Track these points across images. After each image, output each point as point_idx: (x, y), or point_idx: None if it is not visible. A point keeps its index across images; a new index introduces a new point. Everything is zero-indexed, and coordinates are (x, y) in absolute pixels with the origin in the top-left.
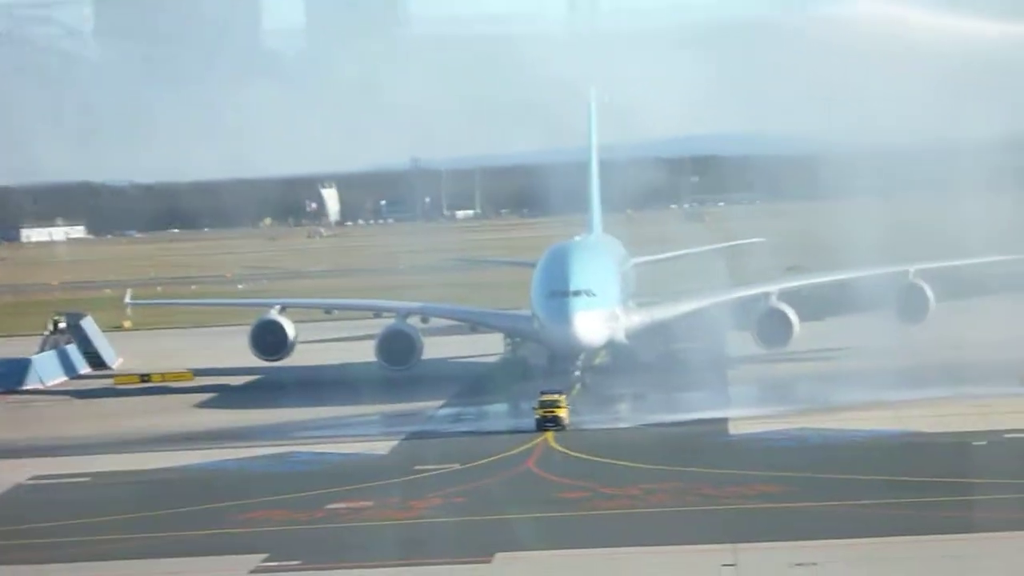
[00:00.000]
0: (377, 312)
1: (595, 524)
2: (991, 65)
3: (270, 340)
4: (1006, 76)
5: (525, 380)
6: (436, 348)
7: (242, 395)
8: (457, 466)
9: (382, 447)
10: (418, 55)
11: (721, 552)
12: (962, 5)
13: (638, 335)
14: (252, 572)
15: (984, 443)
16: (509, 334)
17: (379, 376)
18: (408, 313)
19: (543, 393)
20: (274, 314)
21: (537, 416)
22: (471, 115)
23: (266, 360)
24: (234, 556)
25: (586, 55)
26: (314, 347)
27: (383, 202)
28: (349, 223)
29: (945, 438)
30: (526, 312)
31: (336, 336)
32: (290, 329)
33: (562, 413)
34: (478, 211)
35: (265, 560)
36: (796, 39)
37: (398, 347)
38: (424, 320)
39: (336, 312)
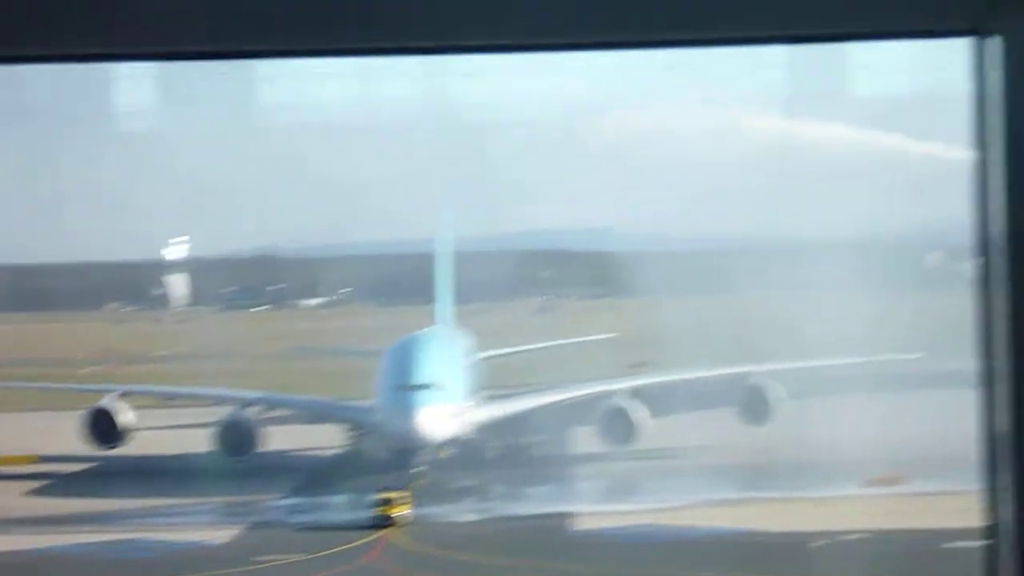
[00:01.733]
0: (218, 401)
1: None
2: (843, 168)
3: (103, 427)
4: (860, 180)
5: (367, 474)
6: (277, 438)
7: (81, 481)
8: (296, 557)
9: (223, 536)
10: (271, 140)
11: None
12: (818, 113)
13: (484, 430)
14: None
15: (824, 543)
16: (352, 426)
17: (218, 466)
18: (248, 403)
19: (381, 490)
20: (107, 402)
21: (375, 513)
22: (322, 202)
23: (101, 448)
24: None
25: (442, 145)
26: (157, 434)
27: (230, 288)
28: (196, 308)
29: (785, 538)
30: (370, 404)
31: (178, 423)
32: (123, 416)
33: (400, 511)
34: (327, 299)
35: None
36: (645, 134)
37: (237, 437)
38: (265, 410)
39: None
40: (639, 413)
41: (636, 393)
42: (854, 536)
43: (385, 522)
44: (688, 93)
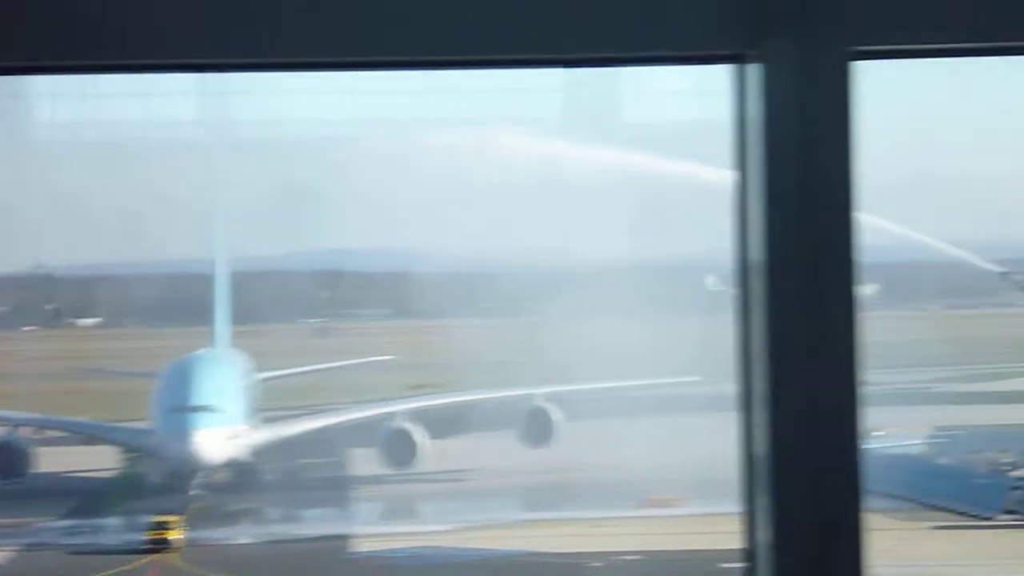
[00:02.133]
0: None
1: None
2: (625, 192)
3: None
4: (642, 204)
5: (143, 497)
6: (51, 460)
7: None
8: None
9: None
10: (46, 160)
11: None
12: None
13: (262, 452)
14: None
15: (600, 564)
16: (128, 448)
17: None
18: (20, 424)
19: (156, 513)
20: None
21: (149, 537)
22: (97, 222)
23: None
24: None
25: (215, 164)
26: None
27: (3, 308)
28: None
29: (562, 559)
30: (146, 426)
31: None
32: None
33: (174, 535)
34: (103, 320)
35: None
36: (431, 156)
37: (8, 459)
38: (38, 431)
39: None
40: (420, 435)
41: (418, 415)
42: (630, 557)
43: (159, 546)
44: (472, 115)
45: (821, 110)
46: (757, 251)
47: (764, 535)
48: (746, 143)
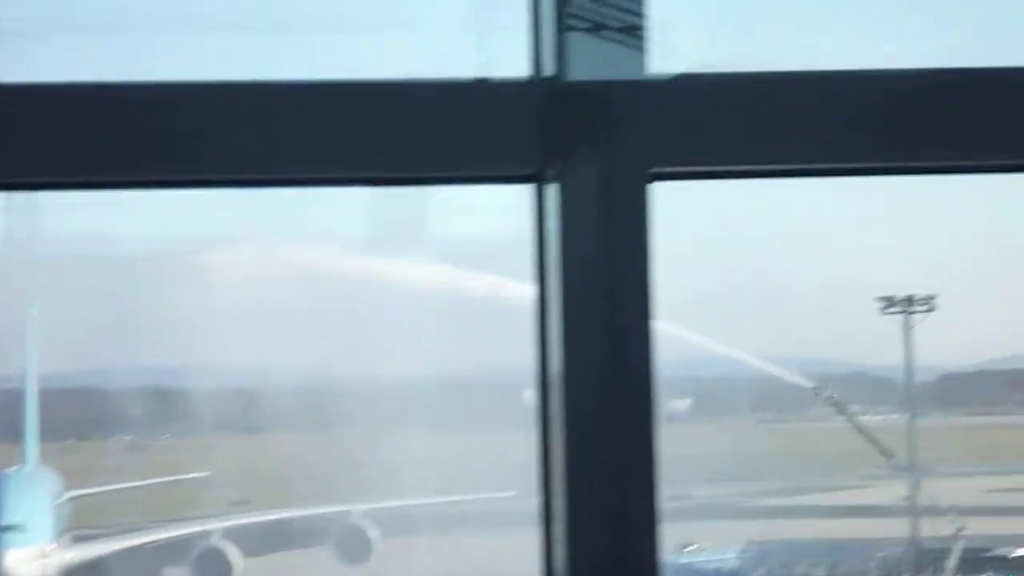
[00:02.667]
0: None
1: None
2: (433, 308)
3: None
4: (450, 320)
5: None
6: None
7: None
8: None
9: None
10: None
11: None
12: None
13: (72, 572)
14: None
15: None
16: None
17: None
18: None
19: None
20: None
21: None
22: None
23: None
24: None
25: (27, 275)
26: None
27: None
28: None
29: None
30: None
31: None
32: None
33: None
34: None
35: None
36: (237, 273)
37: None
38: None
39: None
40: (235, 554)
41: (233, 533)
42: None
43: None
44: (278, 231)
45: (618, 228)
46: (556, 364)
47: None
48: (545, 260)
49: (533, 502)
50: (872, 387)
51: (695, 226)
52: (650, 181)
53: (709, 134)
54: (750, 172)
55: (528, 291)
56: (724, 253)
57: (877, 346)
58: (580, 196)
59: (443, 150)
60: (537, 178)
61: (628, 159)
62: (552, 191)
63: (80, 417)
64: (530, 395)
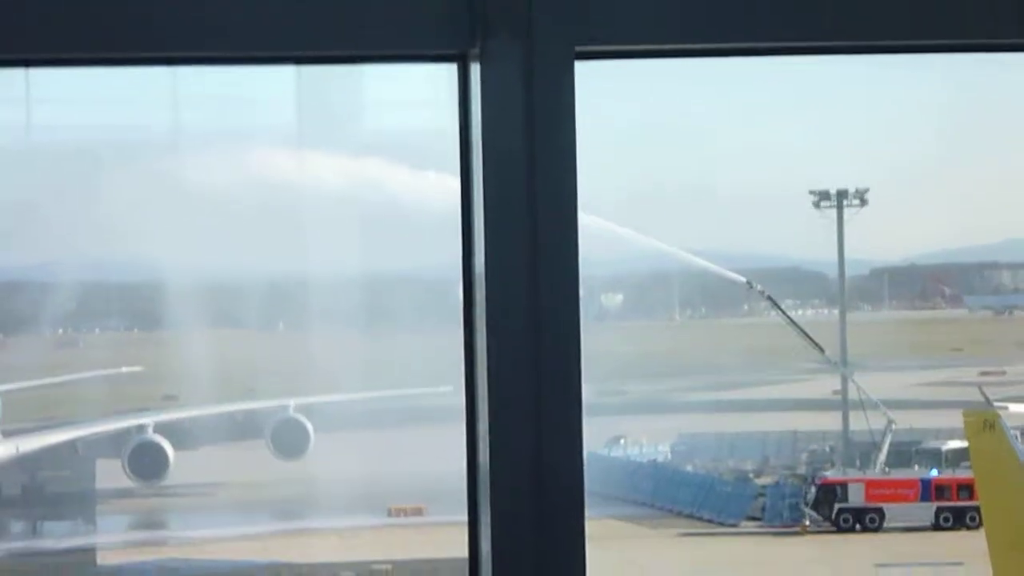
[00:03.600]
0: None
1: None
2: (361, 202)
3: None
4: (381, 213)
5: None
6: None
7: None
8: None
9: None
10: None
11: None
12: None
13: (2, 466)
14: None
15: (352, 574)
16: None
17: None
18: None
19: None
20: None
21: None
22: None
23: None
24: None
25: None
26: None
27: None
28: None
29: (313, 569)
30: None
31: None
32: None
33: None
34: None
35: None
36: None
37: None
38: None
39: None
40: (167, 448)
41: (167, 427)
42: (380, 566)
43: None
44: (217, 124)
45: (542, 108)
46: (480, 259)
47: (485, 545)
48: (469, 147)
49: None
50: (805, 282)
51: (624, 117)
52: (575, 59)
53: (634, 11)
54: (676, 51)
55: (452, 185)
56: (653, 145)
57: (810, 241)
58: (503, 76)
59: (368, 28)
60: (461, 57)
61: (552, 37)
62: (474, 72)
63: (9, 311)
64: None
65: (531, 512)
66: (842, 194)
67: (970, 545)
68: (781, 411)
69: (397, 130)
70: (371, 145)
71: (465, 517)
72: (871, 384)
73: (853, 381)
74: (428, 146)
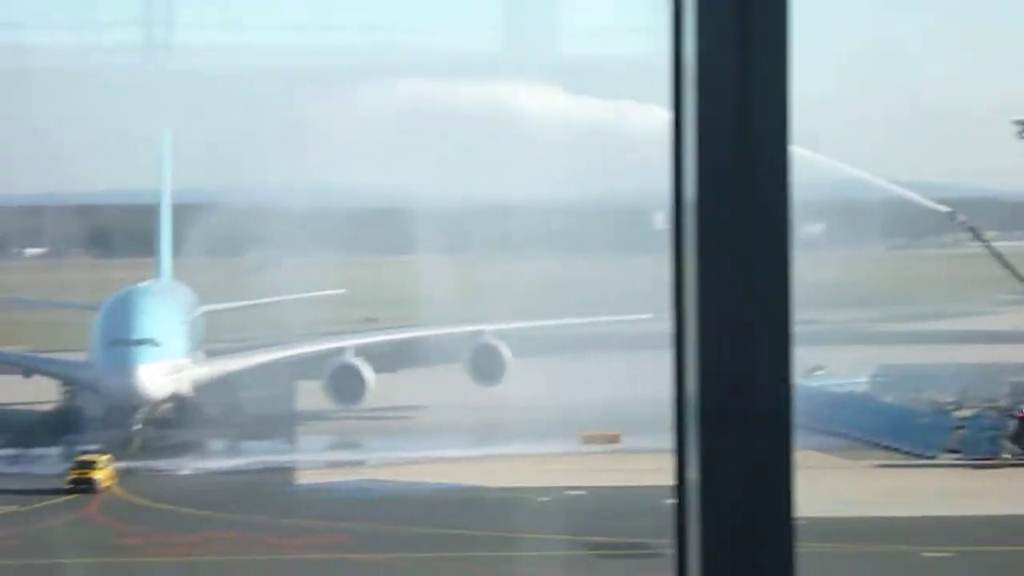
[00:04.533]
0: None
1: (151, 571)
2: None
3: None
4: (585, 144)
5: (81, 430)
6: None
7: None
8: (8, 509)
9: None
10: None
11: None
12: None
13: (205, 387)
14: None
15: (547, 499)
16: (66, 382)
17: None
18: None
19: (80, 454)
20: None
21: (71, 477)
22: (45, 149)
23: None
24: None
25: (162, 92)
26: None
27: None
28: None
29: (510, 493)
30: (86, 359)
31: None
32: None
33: (98, 475)
34: (48, 249)
35: None
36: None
37: None
38: None
39: None
40: (369, 370)
41: (365, 350)
42: (574, 492)
43: (84, 484)
44: (403, 60)
45: (757, 46)
46: (691, 188)
47: (693, 472)
48: (682, 74)
49: (664, 324)
50: (1007, 212)
51: (831, 44)
52: None
53: None
54: None
55: (657, 115)
56: (857, 73)
57: (1013, 171)
58: (718, 3)
59: None
60: None
61: None
62: (689, 6)
63: (214, 233)
64: (662, 219)
65: (741, 441)
66: None
67: None
68: (982, 343)
69: (596, 56)
70: (570, 71)
71: (660, 445)
72: None
73: None
74: (628, 73)
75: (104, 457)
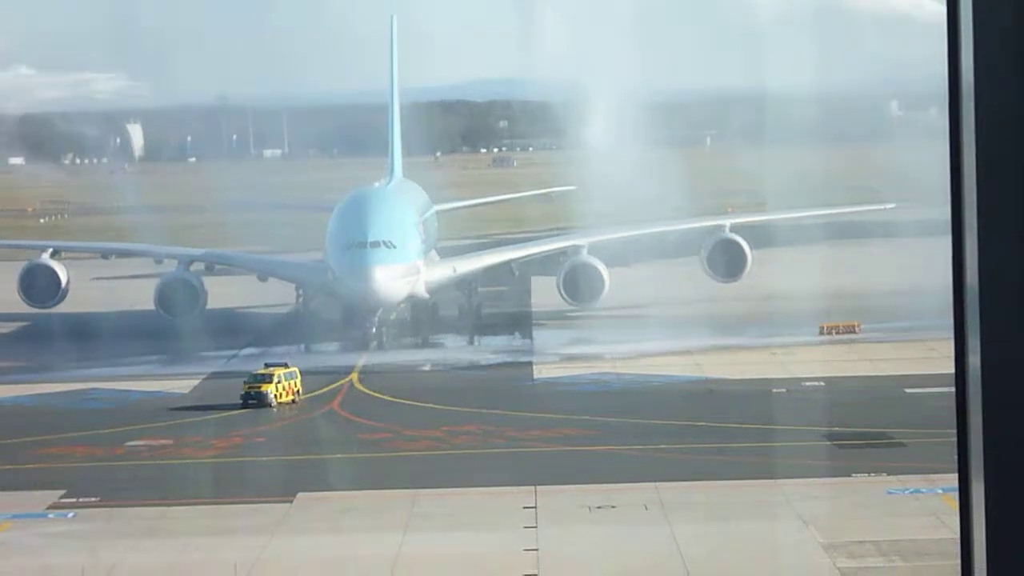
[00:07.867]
0: (159, 258)
1: (397, 465)
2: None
3: (41, 285)
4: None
5: (320, 331)
6: (223, 296)
7: (32, 339)
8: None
9: (182, 387)
10: None
11: (521, 495)
12: None
13: (440, 289)
14: (49, 508)
15: (784, 391)
16: (301, 285)
17: (162, 324)
18: (191, 260)
19: (265, 366)
20: (45, 258)
21: (243, 391)
22: (279, 53)
23: (36, 306)
24: (31, 492)
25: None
26: (105, 288)
27: (189, 139)
28: (151, 162)
29: (746, 385)
30: (320, 261)
31: (122, 277)
32: (62, 273)
33: (270, 389)
34: (286, 151)
35: (63, 497)
36: None
37: (179, 296)
38: (210, 266)
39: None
40: (601, 268)
41: (603, 246)
42: (811, 384)
43: (254, 399)
44: None
45: None
46: (968, 73)
47: (975, 361)
48: None
49: (912, 214)
50: None
51: None
52: None
53: None
54: None
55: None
56: None
57: None
58: None
59: None
60: None
61: None
62: None
63: (443, 131)
64: (896, 106)
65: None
66: None
67: None
68: None
69: None
70: None
71: (902, 335)
72: None
73: None
74: None
75: (282, 371)
